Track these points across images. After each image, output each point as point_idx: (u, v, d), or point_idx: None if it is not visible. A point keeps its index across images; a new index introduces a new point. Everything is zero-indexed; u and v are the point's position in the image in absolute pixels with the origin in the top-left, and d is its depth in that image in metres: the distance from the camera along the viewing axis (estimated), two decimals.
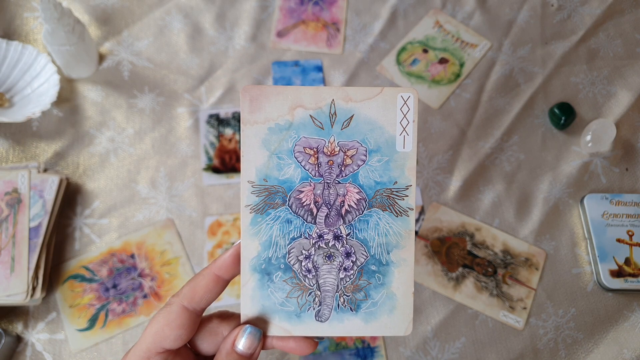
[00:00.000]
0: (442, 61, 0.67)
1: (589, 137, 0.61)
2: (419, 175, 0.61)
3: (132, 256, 0.57)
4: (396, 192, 0.31)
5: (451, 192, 0.60)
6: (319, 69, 0.67)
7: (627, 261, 0.56)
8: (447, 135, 0.63)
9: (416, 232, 0.58)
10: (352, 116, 0.30)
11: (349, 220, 0.31)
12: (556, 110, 0.62)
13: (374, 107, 0.30)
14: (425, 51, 0.68)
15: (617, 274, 0.55)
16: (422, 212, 0.60)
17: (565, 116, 0.62)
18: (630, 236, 0.57)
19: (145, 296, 0.55)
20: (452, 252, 0.58)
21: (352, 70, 0.67)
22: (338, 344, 0.54)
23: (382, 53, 0.68)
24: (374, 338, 0.54)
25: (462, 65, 0.67)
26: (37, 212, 0.54)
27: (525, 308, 0.55)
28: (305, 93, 0.30)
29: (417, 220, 0.59)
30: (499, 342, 0.54)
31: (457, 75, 0.67)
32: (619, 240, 0.57)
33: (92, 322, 0.54)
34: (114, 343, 0.54)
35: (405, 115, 0.30)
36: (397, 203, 0.31)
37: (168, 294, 0.55)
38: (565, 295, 0.56)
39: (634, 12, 0.71)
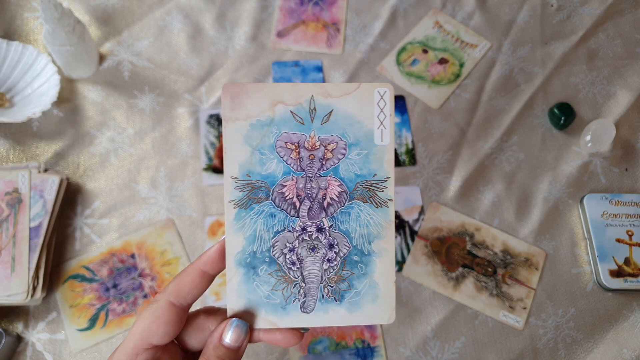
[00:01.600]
0: (442, 61, 0.68)
1: (588, 137, 0.61)
2: (418, 175, 0.61)
3: (133, 256, 0.57)
4: (376, 184, 0.31)
5: (451, 192, 0.61)
6: (319, 69, 0.67)
7: (627, 261, 0.56)
8: (447, 135, 0.64)
9: (416, 232, 0.59)
10: (332, 111, 0.31)
11: (331, 213, 0.31)
12: (556, 111, 0.63)
13: (351, 102, 0.31)
14: (425, 51, 0.68)
15: (617, 273, 0.55)
16: (422, 212, 0.60)
17: (565, 116, 0.62)
18: (630, 236, 0.57)
19: (145, 296, 0.55)
20: (452, 252, 0.58)
21: (352, 70, 0.67)
22: (338, 344, 0.54)
23: (382, 53, 0.68)
24: (374, 337, 0.54)
25: (462, 65, 0.67)
26: (38, 212, 0.54)
27: (525, 308, 0.55)
28: (285, 89, 0.31)
29: (416, 220, 0.59)
30: (499, 342, 0.54)
31: (457, 76, 0.67)
32: (618, 240, 0.57)
33: (93, 322, 0.54)
34: (114, 343, 0.54)
35: (382, 110, 0.31)
36: (377, 195, 0.31)
37: None
38: (565, 295, 0.56)
39: (633, 12, 0.71)
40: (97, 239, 0.58)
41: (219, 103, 0.64)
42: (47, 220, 0.54)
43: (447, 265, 0.57)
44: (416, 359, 0.54)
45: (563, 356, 0.54)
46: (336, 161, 0.31)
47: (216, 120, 0.63)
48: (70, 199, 0.59)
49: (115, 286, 0.56)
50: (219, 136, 0.63)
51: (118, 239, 0.58)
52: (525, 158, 0.63)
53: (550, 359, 0.54)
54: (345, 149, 0.31)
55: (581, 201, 0.59)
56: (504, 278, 0.57)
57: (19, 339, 0.53)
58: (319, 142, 0.31)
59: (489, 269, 0.57)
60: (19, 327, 0.53)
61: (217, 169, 0.61)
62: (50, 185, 0.56)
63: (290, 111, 0.31)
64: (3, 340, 0.50)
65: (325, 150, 0.31)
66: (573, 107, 0.63)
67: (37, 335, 0.53)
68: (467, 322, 0.55)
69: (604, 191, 0.61)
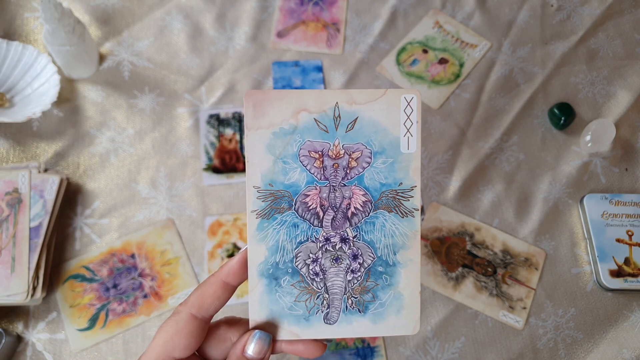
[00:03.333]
0: (442, 61, 0.68)
1: (588, 137, 0.61)
2: None
3: (133, 256, 0.57)
4: (401, 193, 0.31)
5: (451, 192, 0.61)
6: (319, 69, 0.67)
7: (627, 261, 0.56)
8: (447, 135, 0.64)
9: None
10: (356, 119, 0.30)
11: (355, 223, 0.31)
12: (556, 111, 0.63)
13: (377, 109, 0.30)
14: (425, 51, 0.68)
15: (617, 273, 0.55)
16: (422, 212, 0.60)
17: (564, 116, 0.62)
18: (630, 236, 0.57)
19: (145, 296, 0.55)
20: (451, 252, 0.58)
21: (352, 70, 0.67)
22: (338, 344, 0.54)
23: (382, 53, 0.68)
24: (373, 337, 0.54)
25: (461, 65, 0.67)
26: (38, 212, 0.54)
27: (524, 308, 0.55)
28: (309, 96, 0.30)
29: None
30: (499, 342, 0.54)
31: (457, 76, 0.67)
32: (618, 240, 0.57)
33: (93, 322, 0.54)
34: (114, 343, 0.54)
35: (408, 117, 0.30)
36: (402, 204, 0.31)
37: (168, 294, 0.56)
38: (565, 295, 0.56)
39: (633, 12, 0.71)
40: (97, 239, 0.58)
41: (219, 103, 0.64)
42: (47, 220, 0.54)
43: (447, 265, 0.57)
44: (416, 358, 0.54)
45: (563, 356, 0.54)
46: (361, 170, 0.31)
47: (216, 120, 0.63)
48: (70, 199, 0.59)
49: (115, 286, 0.56)
50: (219, 136, 0.63)
51: (118, 239, 0.58)
52: (525, 158, 0.63)
53: (550, 359, 0.54)
54: (370, 158, 0.31)
55: (581, 201, 0.59)
56: (504, 278, 0.57)
57: (19, 339, 0.53)
58: (343, 150, 0.31)
59: (489, 269, 0.57)
60: (19, 327, 0.54)
61: (217, 169, 0.61)
62: (50, 185, 0.56)
63: (314, 119, 0.30)
64: (3, 340, 0.50)
65: (350, 159, 0.31)
66: (573, 107, 0.63)
67: (37, 335, 0.53)
68: (467, 322, 0.55)
69: (604, 191, 0.61)
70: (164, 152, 0.62)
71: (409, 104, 0.30)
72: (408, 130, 0.31)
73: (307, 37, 0.69)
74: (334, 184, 0.31)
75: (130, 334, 0.54)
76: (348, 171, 0.31)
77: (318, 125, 0.30)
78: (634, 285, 0.55)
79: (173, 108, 0.64)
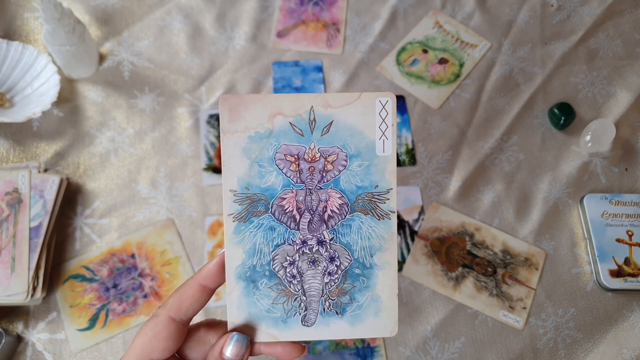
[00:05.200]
0: (442, 61, 0.68)
1: (588, 137, 0.61)
2: (418, 176, 0.61)
3: (133, 256, 0.57)
4: (377, 195, 0.31)
5: (451, 192, 0.61)
6: (319, 69, 0.67)
7: (627, 261, 0.56)
8: (447, 135, 0.64)
9: (416, 232, 0.59)
10: (332, 122, 0.31)
11: (331, 225, 0.31)
12: (556, 111, 0.63)
13: (352, 112, 0.31)
14: (425, 51, 0.68)
15: (617, 273, 0.55)
16: (421, 212, 0.60)
17: (564, 116, 0.62)
18: (630, 236, 0.57)
19: (145, 296, 0.55)
20: (451, 252, 0.58)
21: (352, 70, 0.67)
22: (338, 344, 0.54)
23: (382, 53, 0.68)
24: (373, 337, 0.54)
25: (461, 65, 0.67)
26: (38, 212, 0.54)
27: (524, 308, 0.55)
28: (284, 100, 0.30)
29: (416, 220, 0.59)
30: (499, 342, 0.54)
31: (457, 76, 0.67)
32: (618, 240, 0.57)
33: (93, 322, 0.54)
34: (114, 343, 0.54)
35: (384, 120, 0.31)
36: (378, 207, 0.31)
37: (168, 294, 0.56)
38: (565, 295, 0.56)
39: (633, 13, 0.71)
40: (97, 239, 0.58)
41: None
42: (47, 220, 0.54)
43: (447, 265, 0.57)
44: (416, 358, 0.54)
45: (563, 356, 0.54)
46: (337, 173, 0.31)
47: (216, 120, 0.63)
48: (70, 199, 0.59)
49: (115, 286, 0.56)
50: (219, 136, 0.63)
51: (118, 239, 0.58)
52: (525, 158, 0.63)
53: (550, 359, 0.54)
54: (345, 161, 0.31)
55: (581, 201, 0.59)
56: (504, 278, 0.57)
57: (19, 339, 0.53)
58: (319, 153, 0.31)
59: (489, 269, 0.57)
60: (19, 327, 0.54)
61: (217, 169, 0.61)
62: (50, 185, 0.56)
63: (290, 123, 0.30)
64: (3, 340, 0.50)
65: (326, 162, 0.31)
66: (573, 107, 0.63)
67: (37, 335, 0.53)
68: (467, 322, 0.55)
69: (604, 191, 0.61)
70: (164, 152, 0.62)
71: (384, 107, 0.31)
72: (383, 134, 0.31)
73: (307, 37, 0.69)
74: (310, 187, 0.31)
75: (130, 334, 0.54)
76: (324, 174, 0.31)
77: (294, 128, 0.30)
78: (634, 285, 0.55)
79: (173, 108, 0.64)
